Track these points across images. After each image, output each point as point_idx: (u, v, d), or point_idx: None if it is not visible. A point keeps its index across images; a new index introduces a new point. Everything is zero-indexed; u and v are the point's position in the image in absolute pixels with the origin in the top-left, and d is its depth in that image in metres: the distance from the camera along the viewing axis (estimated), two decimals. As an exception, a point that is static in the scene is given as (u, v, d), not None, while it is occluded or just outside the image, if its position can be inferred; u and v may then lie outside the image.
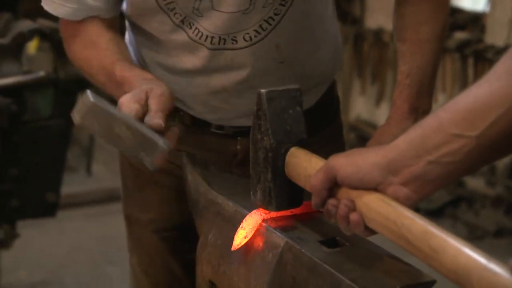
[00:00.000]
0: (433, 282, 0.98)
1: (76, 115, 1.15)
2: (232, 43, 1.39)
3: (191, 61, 1.42)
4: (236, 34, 1.38)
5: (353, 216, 0.98)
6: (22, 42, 2.52)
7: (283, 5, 1.37)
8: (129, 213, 1.66)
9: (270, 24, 1.38)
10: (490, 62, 4.30)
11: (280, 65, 1.44)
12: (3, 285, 2.95)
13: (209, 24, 1.37)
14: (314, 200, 1.04)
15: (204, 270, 1.27)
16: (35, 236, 3.74)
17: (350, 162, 0.99)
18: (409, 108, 1.41)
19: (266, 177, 1.13)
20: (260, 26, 1.38)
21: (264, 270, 1.10)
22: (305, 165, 1.09)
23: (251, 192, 1.18)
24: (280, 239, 1.09)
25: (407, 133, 0.98)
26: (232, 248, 1.15)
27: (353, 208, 0.99)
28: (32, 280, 3.47)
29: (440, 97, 4.48)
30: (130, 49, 1.56)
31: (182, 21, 1.37)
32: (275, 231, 1.11)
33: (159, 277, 1.64)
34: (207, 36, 1.38)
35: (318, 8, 1.46)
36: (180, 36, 1.40)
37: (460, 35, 4.56)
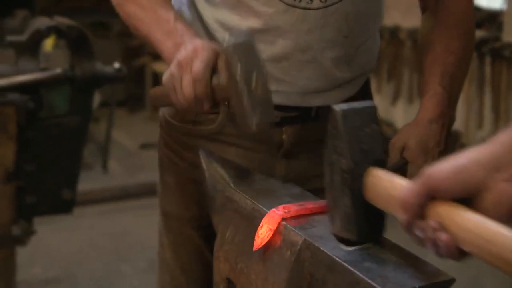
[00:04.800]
0: (452, 281, 0.97)
1: (231, 40, 1.16)
2: (308, 2, 1.39)
3: (258, 17, 1.41)
4: None
5: (442, 237, 0.89)
6: (39, 40, 2.52)
7: None
8: (169, 210, 1.66)
9: None
10: (508, 60, 4.27)
11: (343, 39, 1.46)
12: (18, 281, 2.96)
13: None
14: (403, 219, 0.93)
15: (221, 268, 1.27)
16: (49, 233, 3.76)
17: (449, 164, 0.91)
18: (440, 112, 1.42)
19: (344, 202, 1.06)
20: None
21: (282, 267, 1.10)
22: (386, 185, 1.01)
23: (329, 219, 1.10)
24: (298, 237, 1.08)
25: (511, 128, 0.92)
26: (254, 248, 1.15)
27: (441, 228, 0.90)
28: (46, 277, 3.49)
29: (456, 95, 4.46)
30: (189, 9, 1.54)
31: None
32: (293, 229, 1.10)
33: (198, 273, 1.64)
34: None
35: (379, 3, 1.56)
36: None
37: (477, 33, 4.52)
